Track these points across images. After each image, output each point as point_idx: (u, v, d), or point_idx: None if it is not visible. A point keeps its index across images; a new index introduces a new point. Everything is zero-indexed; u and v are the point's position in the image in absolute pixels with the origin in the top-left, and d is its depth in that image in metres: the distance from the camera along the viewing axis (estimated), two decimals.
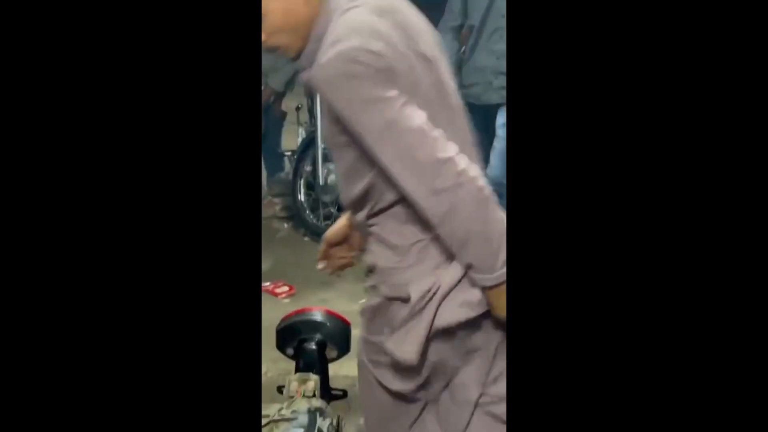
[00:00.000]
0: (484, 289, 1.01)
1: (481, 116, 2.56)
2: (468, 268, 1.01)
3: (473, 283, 1.02)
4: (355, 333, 2.07)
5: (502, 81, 2.49)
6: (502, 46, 2.49)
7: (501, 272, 0.98)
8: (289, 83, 3.81)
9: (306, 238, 3.58)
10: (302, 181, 3.51)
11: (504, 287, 0.98)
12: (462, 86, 2.58)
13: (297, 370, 1.66)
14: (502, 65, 2.45)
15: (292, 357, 1.73)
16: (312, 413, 1.44)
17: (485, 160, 2.60)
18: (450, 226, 0.98)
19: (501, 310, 1.01)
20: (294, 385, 1.57)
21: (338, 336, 1.71)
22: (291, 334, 1.71)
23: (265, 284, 3.00)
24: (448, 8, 2.71)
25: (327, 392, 1.65)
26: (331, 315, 1.75)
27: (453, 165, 0.96)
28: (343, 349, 1.73)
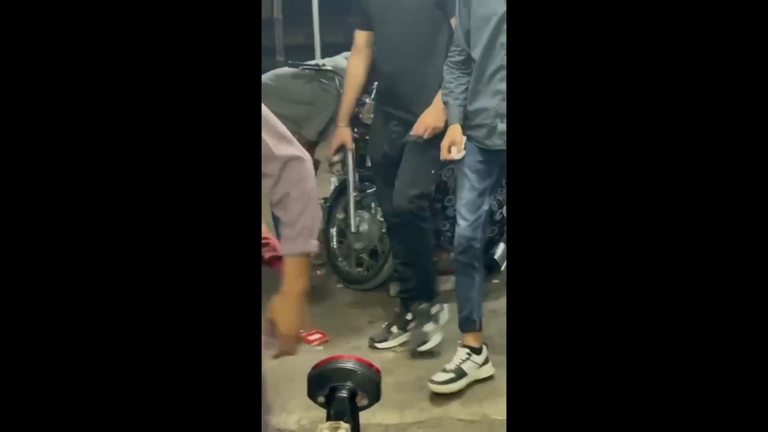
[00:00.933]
0: None
1: (483, 157, 2.46)
2: None
3: None
4: (386, 381, 2.07)
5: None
6: (505, 86, 2.32)
7: None
8: (322, 133, 3.91)
9: (339, 285, 3.61)
10: (335, 229, 3.56)
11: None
12: (468, 126, 2.48)
13: (328, 418, 1.66)
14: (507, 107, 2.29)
15: (323, 405, 1.73)
16: None
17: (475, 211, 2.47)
18: None
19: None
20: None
21: (369, 384, 1.71)
22: (322, 382, 1.71)
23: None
24: (454, 42, 2.57)
25: None
26: (362, 363, 1.76)
27: None
28: (374, 397, 1.72)
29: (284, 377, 2.54)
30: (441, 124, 2.63)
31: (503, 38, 2.28)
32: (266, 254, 3.07)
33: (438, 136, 2.63)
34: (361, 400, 1.73)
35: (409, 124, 2.79)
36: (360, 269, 3.46)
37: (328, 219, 3.58)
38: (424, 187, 2.82)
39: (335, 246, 3.61)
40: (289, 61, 4.27)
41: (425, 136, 2.68)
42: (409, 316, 2.86)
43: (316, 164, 4.13)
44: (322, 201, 3.91)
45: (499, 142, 2.38)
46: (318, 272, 3.84)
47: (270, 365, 2.76)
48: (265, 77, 3.86)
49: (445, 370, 2.51)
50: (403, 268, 2.93)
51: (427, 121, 2.65)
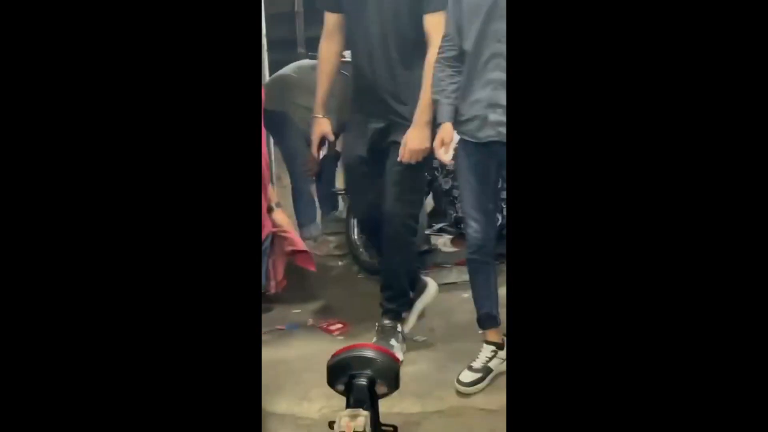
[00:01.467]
0: None
1: (479, 156, 2.36)
2: None
3: None
4: (405, 370, 2.09)
5: (500, 115, 2.24)
6: (498, 74, 2.24)
7: None
8: (346, 124, 3.92)
9: (359, 276, 3.63)
10: (355, 220, 3.58)
11: None
12: (459, 122, 2.37)
13: (348, 406, 1.68)
14: (499, 97, 2.22)
15: (342, 393, 1.76)
16: None
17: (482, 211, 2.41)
18: None
19: None
20: (344, 420, 1.60)
21: (388, 372, 1.73)
22: (341, 370, 1.74)
23: (320, 322, 3.06)
24: (445, 38, 2.42)
25: (377, 428, 1.67)
26: (381, 351, 1.78)
27: None
28: (393, 385, 1.74)
29: (306, 367, 2.58)
30: (427, 145, 2.49)
31: (495, 25, 2.22)
32: (287, 248, 3.11)
33: (427, 157, 2.54)
34: (380, 388, 1.76)
35: (393, 125, 2.63)
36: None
37: (350, 209, 3.60)
38: (414, 207, 2.71)
39: (356, 237, 3.63)
40: (310, 54, 4.28)
41: (413, 162, 2.54)
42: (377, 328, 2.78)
43: (338, 155, 4.16)
44: (343, 191, 3.95)
45: (491, 133, 2.29)
46: (339, 263, 3.87)
47: (290, 355, 2.81)
48: (288, 69, 3.88)
49: (471, 369, 2.50)
50: (386, 275, 2.81)
51: (412, 147, 2.50)
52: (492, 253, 2.48)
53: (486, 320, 2.53)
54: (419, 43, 2.56)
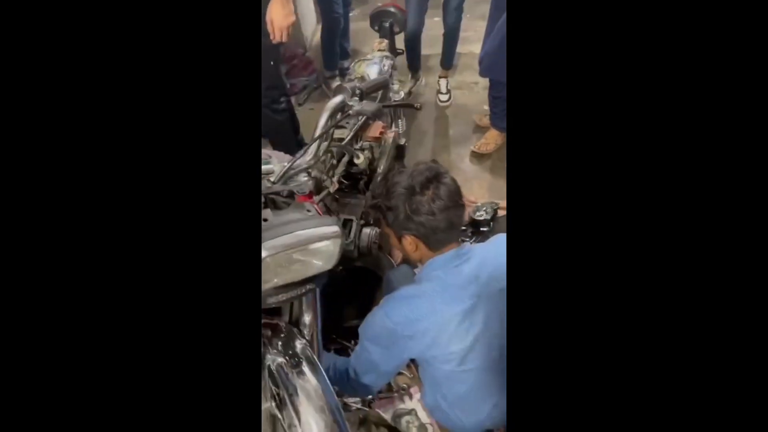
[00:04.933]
0: None
1: None
2: None
3: None
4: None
5: None
6: None
7: None
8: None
9: None
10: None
11: None
12: None
13: (380, 36, 3.11)
14: None
15: (377, 31, 3.18)
16: (381, 58, 2.88)
17: None
18: None
19: None
20: (376, 43, 3.02)
21: (402, 21, 3.13)
22: (377, 18, 3.15)
23: None
24: None
25: (392, 51, 3.11)
26: (398, 9, 3.16)
27: None
28: (403, 28, 3.15)
29: None
30: None
31: None
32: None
33: None
34: (395, 28, 3.15)
35: None
36: None
37: None
38: None
39: None
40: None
41: None
42: None
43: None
44: None
45: None
46: None
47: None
48: None
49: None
50: None
51: None
52: None
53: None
54: None
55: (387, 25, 3.09)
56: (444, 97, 3.74)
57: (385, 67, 2.58)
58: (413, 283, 1.58)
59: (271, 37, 2.10)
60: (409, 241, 1.51)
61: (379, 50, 2.86)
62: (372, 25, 3.18)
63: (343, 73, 3.78)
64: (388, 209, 1.49)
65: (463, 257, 1.49)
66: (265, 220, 1.18)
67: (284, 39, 2.09)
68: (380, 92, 2.32)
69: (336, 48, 3.80)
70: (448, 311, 1.44)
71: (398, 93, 2.53)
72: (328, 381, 1.31)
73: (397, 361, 1.55)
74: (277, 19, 2.04)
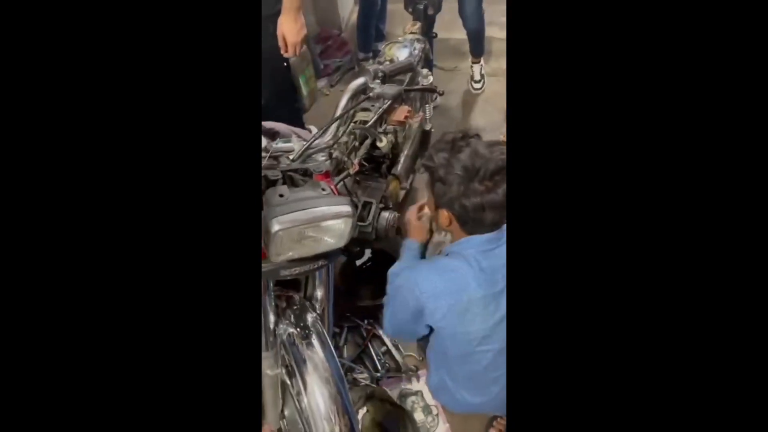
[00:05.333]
0: None
1: None
2: None
3: None
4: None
5: None
6: None
7: None
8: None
9: None
10: None
11: None
12: None
13: (413, 19, 3.10)
14: None
15: (411, 14, 3.17)
16: (412, 41, 2.88)
17: None
18: None
19: None
20: (408, 26, 3.02)
21: (437, 4, 3.13)
22: (411, 0, 3.14)
23: None
24: None
25: (425, 34, 3.10)
26: None
27: None
28: (438, 8, 3.14)
29: None
30: None
31: None
32: None
33: None
34: (429, 10, 3.14)
35: None
36: None
37: None
38: None
39: None
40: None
41: None
42: None
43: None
44: None
45: None
46: None
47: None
48: None
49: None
50: None
51: None
52: None
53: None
54: None
55: (421, 7, 3.08)
56: (477, 85, 3.70)
57: (416, 51, 2.58)
58: (439, 256, 1.62)
59: (283, 52, 2.08)
60: (445, 216, 1.54)
61: (411, 33, 2.86)
62: (406, 8, 3.18)
63: (377, 56, 3.77)
64: (439, 179, 1.51)
65: (500, 241, 1.53)
66: (281, 195, 1.22)
67: (297, 54, 2.09)
68: (407, 76, 2.34)
69: (371, 30, 3.79)
70: (480, 292, 1.48)
71: (427, 77, 2.54)
72: (334, 354, 1.37)
73: (420, 328, 1.60)
74: (290, 34, 2.05)
